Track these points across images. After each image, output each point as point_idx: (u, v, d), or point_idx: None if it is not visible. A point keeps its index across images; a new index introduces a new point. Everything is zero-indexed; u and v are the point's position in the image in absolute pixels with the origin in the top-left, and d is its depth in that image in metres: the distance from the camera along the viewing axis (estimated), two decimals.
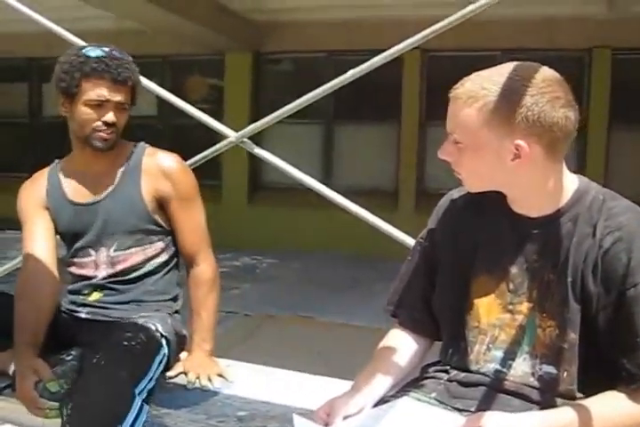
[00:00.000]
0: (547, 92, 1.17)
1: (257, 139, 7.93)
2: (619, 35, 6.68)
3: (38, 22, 2.58)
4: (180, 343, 1.92)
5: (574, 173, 1.31)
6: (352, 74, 2.11)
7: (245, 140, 2.26)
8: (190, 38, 7.41)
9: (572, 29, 6.81)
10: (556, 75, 1.22)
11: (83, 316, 1.91)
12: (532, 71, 1.20)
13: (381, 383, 1.36)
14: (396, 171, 7.97)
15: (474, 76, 1.23)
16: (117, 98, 1.84)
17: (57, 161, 2.03)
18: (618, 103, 6.96)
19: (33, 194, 1.96)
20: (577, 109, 1.21)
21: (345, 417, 1.28)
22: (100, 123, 1.84)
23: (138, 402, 1.55)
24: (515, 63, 1.23)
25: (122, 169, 1.92)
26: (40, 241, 1.91)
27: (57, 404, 1.60)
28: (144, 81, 2.45)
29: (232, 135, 2.24)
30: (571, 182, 1.28)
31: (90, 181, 1.93)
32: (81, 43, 2.55)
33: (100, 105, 1.83)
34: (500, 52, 7.07)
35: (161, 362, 1.76)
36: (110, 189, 1.91)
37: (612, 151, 7.16)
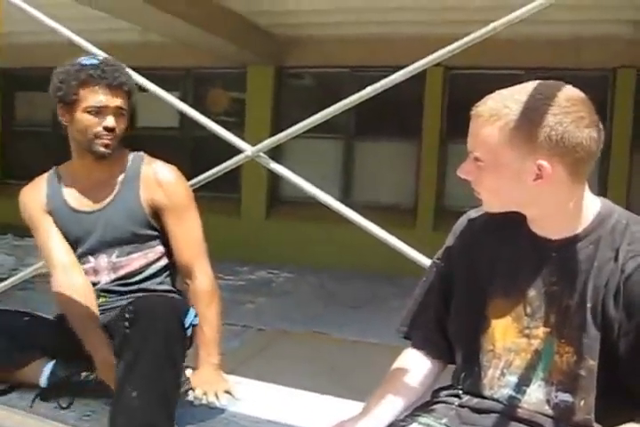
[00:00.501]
0: (571, 111, 1.15)
1: (276, 153, 7.98)
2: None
3: (60, 33, 2.58)
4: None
5: (597, 195, 1.27)
6: (373, 89, 2.09)
7: (261, 154, 2.24)
8: (214, 52, 7.46)
9: (597, 49, 6.76)
10: (581, 94, 1.19)
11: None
12: (556, 90, 1.17)
13: (392, 407, 1.32)
14: (416, 188, 7.93)
15: (496, 94, 1.21)
16: (116, 103, 1.88)
17: (55, 168, 2.05)
18: None
19: (35, 199, 1.99)
20: (601, 130, 1.19)
21: None
22: (100, 128, 1.87)
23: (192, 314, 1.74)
24: (538, 82, 1.21)
25: (121, 177, 1.95)
26: (61, 244, 1.95)
27: None
28: (163, 93, 2.45)
29: (248, 149, 2.23)
30: (593, 205, 1.25)
31: (90, 188, 1.95)
32: (104, 55, 2.57)
33: (98, 111, 1.86)
34: (524, 71, 7.04)
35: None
36: (110, 197, 1.94)
37: (635, 173, 7.07)
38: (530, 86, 1.19)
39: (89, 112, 1.86)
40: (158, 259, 1.96)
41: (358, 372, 4.10)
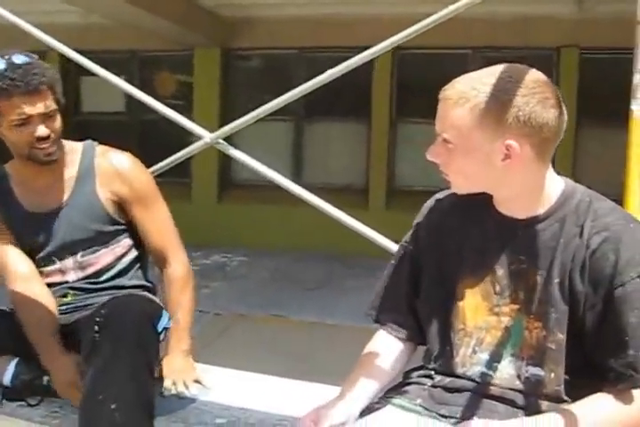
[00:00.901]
0: (537, 92, 1.16)
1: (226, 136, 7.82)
2: (586, 34, 6.76)
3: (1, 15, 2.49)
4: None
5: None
6: (330, 74, 2.08)
7: (220, 141, 2.21)
8: (158, 33, 7.32)
9: (542, 28, 6.86)
10: (544, 77, 1.21)
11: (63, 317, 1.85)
12: (522, 72, 1.19)
13: (367, 390, 1.33)
14: (367, 168, 7.97)
15: (464, 77, 1.22)
16: (39, 110, 1.72)
17: (0, 166, 1.92)
18: (585, 102, 7.04)
19: None
20: (564, 112, 1.21)
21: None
22: (33, 140, 1.74)
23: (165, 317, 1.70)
24: (504, 65, 1.21)
25: (75, 173, 1.85)
26: (17, 254, 1.85)
27: None
28: (112, 77, 2.39)
29: (207, 136, 2.20)
30: (557, 184, 1.27)
31: (43, 188, 1.85)
32: (45, 37, 2.49)
33: (24, 122, 1.72)
34: (471, 50, 7.11)
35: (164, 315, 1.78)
36: (66, 196, 1.85)
37: (579, 150, 7.23)
38: (497, 69, 1.20)
39: (15, 126, 1.72)
40: (127, 252, 1.89)
41: (318, 354, 4.14)
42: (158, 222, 1.88)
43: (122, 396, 1.49)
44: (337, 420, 1.25)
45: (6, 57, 1.72)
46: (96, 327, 1.56)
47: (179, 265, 1.90)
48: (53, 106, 1.76)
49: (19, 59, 1.73)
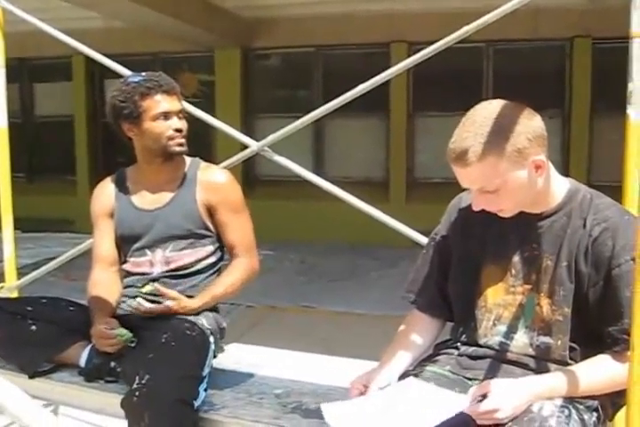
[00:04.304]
0: (520, 114, 1.38)
1: (249, 133, 8.04)
2: (598, 24, 6.87)
3: (27, 22, 2.69)
4: (221, 336, 2.12)
5: (560, 160, 1.52)
6: (392, 71, 2.31)
7: (266, 148, 2.43)
8: (179, 36, 7.52)
9: (554, 20, 6.98)
10: (503, 102, 1.40)
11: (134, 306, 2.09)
12: (489, 109, 1.38)
13: (403, 360, 1.58)
14: (386, 162, 8.15)
15: (459, 142, 1.37)
16: (177, 107, 2.08)
17: (121, 169, 2.25)
18: (599, 91, 7.16)
19: (102, 199, 2.21)
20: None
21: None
22: (171, 131, 2.06)
23: (203, 386, 1.79)
24: (467, 115, 1.40)
25: (180, 180, 2.13)
26: (109, 243, 2.18)
27: (124, 331, 1.92)
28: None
29: (254, 144, 2.42)
30: (563, 183, 1.51)
31: (153, 189, 2.15)
32: (71, 41, 2.71)
33: (165, 116, 2.05)
34: (484, 43, 7.24)
35: (210, 352, 1.97)
36: (170, 198, 2.12)
37: (594, 137, 7.36)
38: (474, 116, 1.39)
39: (157, 119, 2.04)
40: (207, 257, 2.13)
41: (348, 341, 4.34)
42: (239, 226, 2.14)
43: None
44: (381, 383, 1.49)
45: (142, 73, 2.11)
46: (137, 393, 1.68)
47: (246, 259, 2.15)
48: (184, 109, 2.13)
49: (151, 73, 2.12)
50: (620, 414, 1.48)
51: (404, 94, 7.87)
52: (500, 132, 1.36)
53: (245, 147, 2.51)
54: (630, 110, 1.79)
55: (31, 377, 2.00)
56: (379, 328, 4.76)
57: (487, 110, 1.39)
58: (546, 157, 1.41)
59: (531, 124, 1.38)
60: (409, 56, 8.77)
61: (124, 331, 1.92)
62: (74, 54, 8.66)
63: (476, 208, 1.46)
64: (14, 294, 2.81)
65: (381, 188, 7.98)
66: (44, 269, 2.79)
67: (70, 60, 8.81)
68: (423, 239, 2.02)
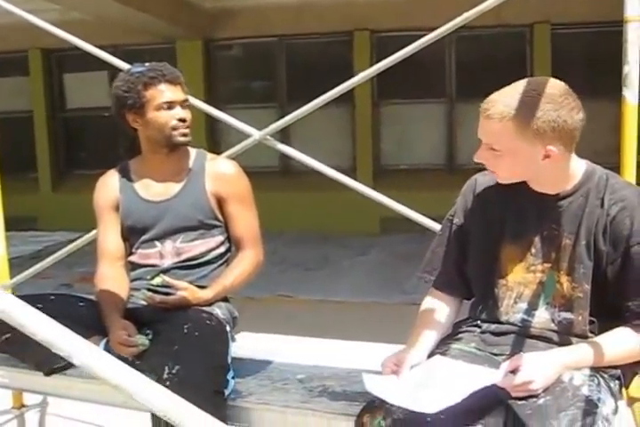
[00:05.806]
0: (564, 105, 1.43)
1: (213, 124, 7.96)
2: (557, 10, 7.02)
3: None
4: (234, 325, 2.15)
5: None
6: (394, 58, 2.27)
7: (268, 137, 2.44)
8: (140, 28, 7.43)
9: (515, 6, 7.08)
10: (566, 86, 1.47)
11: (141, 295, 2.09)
12: (548, 88, 1.45)
13: (430, 339, 1.63)
14: (353, 150, 8.21)
15: (500, 97, 1.46)
16: (180, 97, 2.07)
17: (125, 161, 2.22)
18: (558, 76, 7.30)
19: (106, 192, 2.18)
20: (582, 110, 1.47)
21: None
22: (175, 121, 2.05)
23: (230, 374, 1.81)
24: (529, 80, 1.47)
25: (188, 172, 2.13)
26: (114, 237, 2.15)
27: (143, 337, 1.89)
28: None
29: (256, 133, 2.42)
30: (580, 165, 1.57)
31: (159, 180, 2.14)
32: (61, 33, 2.66)
33: (169, 106, 2.04)
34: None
35: (230, 341, 2.00)
36: (178, 188, 2.12)
37: None
38: (522, 86, 1.45)
39: (161, 109, 2.03)
40: (217, 247, 2.13)
41: (331, 328, 4.39)
42: (246, 218, 2.15)
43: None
44: (412, 362, 1.54)
45: (146, 63, 2.09)
46: (167, 383, 1.67)
47: (251, 252, 2.15)
48: (188, 98, 2.11)
49: (155, 63, 2.09)
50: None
51: (368, 83, 7.91)
52: (534, 110, 1.41)
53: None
54: (626, 92, 1.86)
55: (47, 374, 1.99)
56: (358, 314, 4.86)
57: (543, 86, 1.44)
58: (562, 152, 1.45)
59: (565, 119, 1.42)
60: (372, 44, 8.83)
61: (143, 338, 1.91)
62: (30, 48, 8.49)
63: (476, 159, 1.52)
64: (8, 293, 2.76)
65: (348, 176, 7.98)
66: (38, 266, 2.74)
67: (27, 55, 8.62)
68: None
